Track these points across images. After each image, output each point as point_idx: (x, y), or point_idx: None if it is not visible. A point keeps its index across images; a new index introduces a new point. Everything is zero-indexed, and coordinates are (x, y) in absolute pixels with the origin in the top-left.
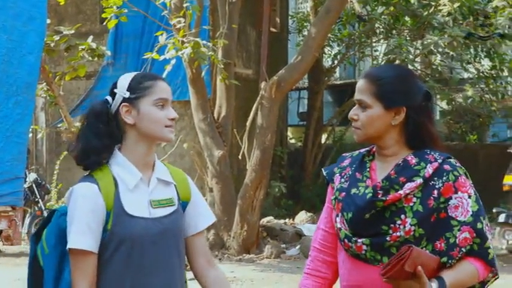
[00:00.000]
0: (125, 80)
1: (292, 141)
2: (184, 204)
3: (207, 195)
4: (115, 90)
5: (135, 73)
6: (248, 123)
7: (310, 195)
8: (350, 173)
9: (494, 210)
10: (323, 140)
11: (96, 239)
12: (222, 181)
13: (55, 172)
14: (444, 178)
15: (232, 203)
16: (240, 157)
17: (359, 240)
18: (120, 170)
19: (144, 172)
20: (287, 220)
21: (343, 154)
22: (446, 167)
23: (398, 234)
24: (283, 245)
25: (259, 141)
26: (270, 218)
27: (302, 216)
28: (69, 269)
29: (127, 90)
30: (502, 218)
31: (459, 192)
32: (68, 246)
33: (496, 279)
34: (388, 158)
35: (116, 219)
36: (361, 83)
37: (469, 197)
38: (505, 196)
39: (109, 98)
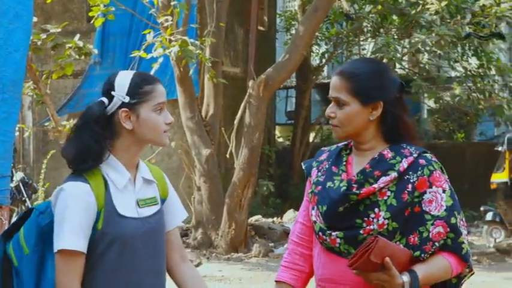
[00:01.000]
0: (123, 82)
1: (280, 139)
2: (162, 201)
3: (195, 194)
4: (113, 93)
5: (132, 74)
6: (236, 122)
7: (298, 194)
8: (327, 166)
9: (481, 209)
10: (311, 139)
11: (86, 239)
12: (209, 180)
13: (42, 171)
14: (419, 172)
15: (220, 202)
16: (227, 156)
17: (333, 234)
18: (110, 170)
19: (130, 171)
20: (275, 219)
21: (322, 148)
22: (422, 161)
23: (371, 227)
24: (271, 244)
25: (247, 139)
26: (258, 216)
27: (290, 214)
28: (52, 268)
29: (126, 95)
30: (489, 216)
31: (434, 187)
32: (61, 247)
33: (472, 274)
34: (365, 153)
35: (107, 219)
36: (335, 81)
37: (444, 191)
38: (492, 194)
39: (105, 100)
